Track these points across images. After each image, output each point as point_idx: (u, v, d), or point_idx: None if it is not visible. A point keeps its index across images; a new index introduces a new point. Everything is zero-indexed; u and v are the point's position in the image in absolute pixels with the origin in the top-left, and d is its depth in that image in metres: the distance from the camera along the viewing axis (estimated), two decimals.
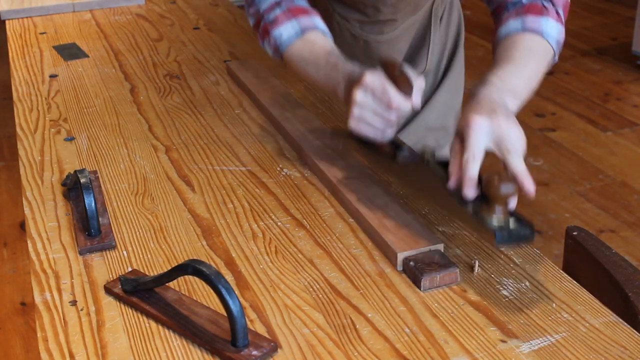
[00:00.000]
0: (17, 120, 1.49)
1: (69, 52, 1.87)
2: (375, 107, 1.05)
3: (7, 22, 2.15)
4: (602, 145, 3.33)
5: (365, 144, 1.09)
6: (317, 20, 1.26)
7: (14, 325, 2.37)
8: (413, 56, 1.54)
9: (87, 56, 1.85)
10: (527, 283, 0.96)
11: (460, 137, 0.99)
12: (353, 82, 1.08)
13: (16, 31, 2.06)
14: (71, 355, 0.87)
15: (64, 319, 0.93)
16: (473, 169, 0.95)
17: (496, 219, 0.95)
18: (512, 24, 1.14)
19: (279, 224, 1.12)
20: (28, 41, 1.97)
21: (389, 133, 1.07)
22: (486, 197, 0.96)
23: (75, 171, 1.13)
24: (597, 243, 1.12)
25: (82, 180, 1.09)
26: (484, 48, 4.47)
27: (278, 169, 1.27)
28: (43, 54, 1.87)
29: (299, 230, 1.10)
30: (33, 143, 1.40)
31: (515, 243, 0.99)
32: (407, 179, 1.04)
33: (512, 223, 0.95)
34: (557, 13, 1.15)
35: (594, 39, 4.59)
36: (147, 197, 1.20)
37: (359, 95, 1.05)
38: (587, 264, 1.12)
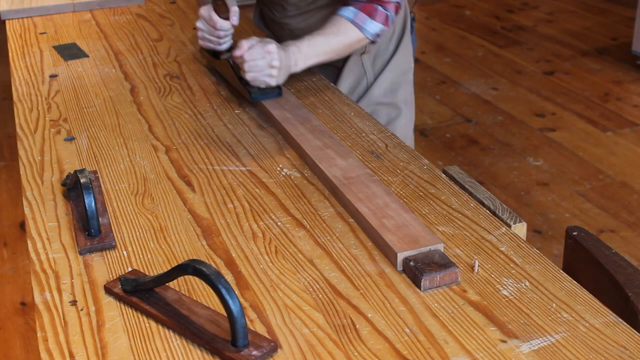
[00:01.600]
0: (17, 120, 1.49)
1: (69, 52, 1.87)
2: (207, 29, 1.56)
3: (7, 22, 2.15)
4: (602, 145, 3.33)
5: (215, 55, 1.62)
6: None
7: (14, 325, 2.37)
8: None
9: (87, 56, 1.84)
10: (527, 283, 0.96)
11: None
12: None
13: (16, 31, 2.06)
14: (71, 355, 0.87)
15: (64, 319, 0.93)
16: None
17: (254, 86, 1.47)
18: (348, 10, 1.51)
19: (279, 224, 1.12)
20: (28, 41, 1.97)
21: (223, 45, 1.58)
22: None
23: (75, 171, 1.13)
24: (597, 243, 1.12)
25: (82, 180, 1.09)
26: (484, 48, 4.47)
27: (278, 169, 1.27)
28: (43, 54, 1.87)
29: (299, 230, 1.10)
30: (33, 143, 1.40)
31: (265, 97, 1.47)
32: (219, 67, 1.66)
33: (263, 85, 1.46)
34: (386, 16, 1.51)
35: (594, 39, 4.59)
36: (147, 197, 1.20)
37: (197, 23, 1.58)
38: (587, 264, 1.12)
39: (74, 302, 0.96)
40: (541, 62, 4.27)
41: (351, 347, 0.86)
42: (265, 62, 1.43)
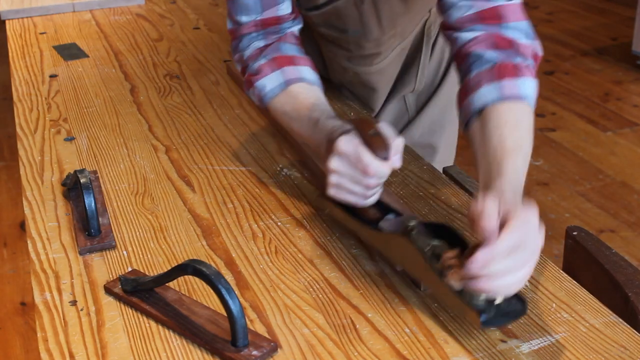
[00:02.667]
0: (17, 120, 1.49)
1: (69, 52, 1.87)
2: (352, 173, 0.98)
3: (7, 22, 2.15)
4: (602, 145, 3.33)
5: (350, 209, 1.04)
6: (304, 70, 1.19)
7: (14, 325, 2.37)
8: (400, 76, 1.51)
9: (87, 56, 1.84)
10: (527, 283, 0.96)
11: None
12: (332, 144, 1.01)
13: (16, 31, 2.06)
14: (71, 355, 0.87)
15: (64, 319, 0.93)
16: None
17: (482, 296, 0.84)
18: (487, 92, 1.02)
19: (279, 224, 1.12)
20: (28, 41, 1.97)
21: (371, 198, 1.01)
22: None
23: (75, 171, 1.13)
24: (597, 243, 1.12)
25: (82, 180, 1.09)
26: None
27: (278, 169, 1.27)
28: (43, 54, 1.87)
29: (299, 230, 1.10)
30: (33, 143, 1.40)
31: (504, 322, 0.86)
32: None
33: (499, 299, 0.84)
34: (529, 66, 1.05)
35: (594, 39, 4.59)
36: (147, 197, 1.20)
37: (333, 163, 0.99)
38: (587, 264, 1.12)
39: (74, 302, 0.96)
40: (541, 62, 4.27)
41: (351, 347, 0.86)
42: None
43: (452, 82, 1.54)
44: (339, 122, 1.05)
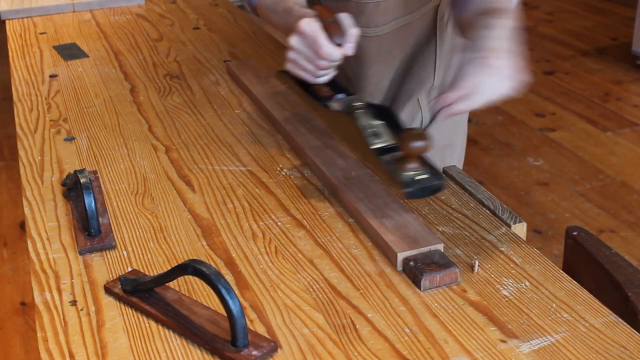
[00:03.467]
0: (17, 120, 1.49)
1: (69, 52, 1.87)
2: (307, 52, 1.12)
3: (7, 22, 2.15)
4: (602, 145, 3.33)
5: (305, 86, 1.18)
6: None
7: (14, 325, 2.37)
8: (417, 71, 1.49)
9: (87, 56, 1.84)
10: (527, 283, 0.96)
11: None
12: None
13: (16, 31, 2.06)
14: (71, 355, 0.87)
15: (64, 319, 0.93)
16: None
17: (407, 174, 1.02)
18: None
19: (279, 224, 1.12)
20: (28, 41, 1.97)
21: (322, 77, 1.14)
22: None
23: (75, 171, 1.13)
24: (597, 243, 1.12)
25: (82, 180, 1.09)
26: None
27: (278, 169, 1.27)
28: (43, 54, 1.87)
29: (299, 230, 1.10)
30: (33, 143, 1.40)
31: (425, 195, 1.05)
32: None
33: (422, 175, 1.03)
34: None
35: (594, 39, 4.59)
36: (147, 197, 1.20)
37: (293, 40, 1.13)
38: (587, 264, 1.12)
39: (74, 302, 0.96)
40: (541, 62, 4.27)
41: (351, 347, 0.86)
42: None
43: None
44: (310, 10, 1.17)
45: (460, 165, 1.61)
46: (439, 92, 1.48)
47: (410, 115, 1.54)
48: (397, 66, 1.50)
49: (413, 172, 1.04)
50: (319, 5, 1.12)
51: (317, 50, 1.10)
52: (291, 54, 1.14)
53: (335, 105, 1.14)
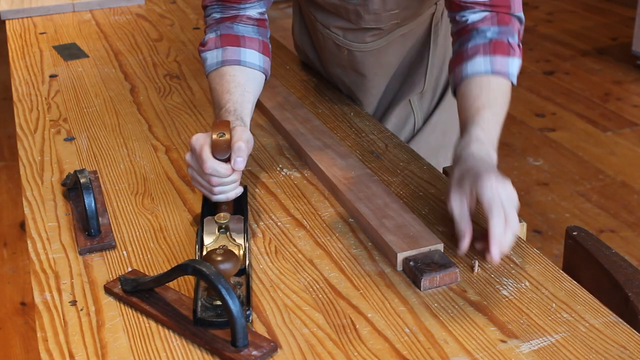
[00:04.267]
0: (17, 120, 1.49)
1: (69, 52, 1.87)
2: (197, 168, 1.07)
3: (7, 22, 2.15)
4: (602, 145, 3.33)
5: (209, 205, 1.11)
6: (247, 53, 1.25)
7: (14, 325, 2.37)
8: (410, 75, 1.49)
9: (87, 56, 1.84)
10: (527, 283, 0.96)
11: (465, 192, 1.00)
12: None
13: (16, 31, 2.06)
14: (71, 355, 0.87)
15: (64, 319, 0.93)
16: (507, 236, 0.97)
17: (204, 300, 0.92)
18: (481, 63, 1.15)
19: (279, 224, 1.12)
20: (28, 41, 1.97)
21: (220, 195, 1.07)
22: None
23: (75, 171, 1.13)
24: (597, 243, 1.12)
25: (82, 180, 1.09)
26: None
27: (278, 169, 1.27)
28: (43, 54, 1.87)
29: (299, 230, 1.10)
30: (33, 143, 1.40)
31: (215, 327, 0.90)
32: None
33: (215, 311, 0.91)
34: (519, 46, 1.19)
35: (594, 39, 4.59)
36: (147, 197, 1.20)
37: (187, 156, 1.08)
38: (587, 264, 1.12)
39: (74, 302, 0.96)
40: (541, 62, 4.27)
41: (351, 347, 0.86)
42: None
43: None
44: (229, 117, 1.15)
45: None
46: (430, 93, 1.50)
47: (403, 117, 1.54)
48: (393, 73, 1.51)
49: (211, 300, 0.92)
50: (216, 120, 1.09)
51: (201, 165, 1.04)
52: (189, 170, 1.10)
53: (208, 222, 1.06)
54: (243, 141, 1.06)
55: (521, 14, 1.21)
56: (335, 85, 1.57)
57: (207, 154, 1.04)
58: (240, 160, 1.05)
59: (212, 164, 1.04)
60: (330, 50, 1.49)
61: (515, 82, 1.18)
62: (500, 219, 0.95)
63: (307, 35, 1.59)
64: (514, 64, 1.16)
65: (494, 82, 1.15)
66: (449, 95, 1.52)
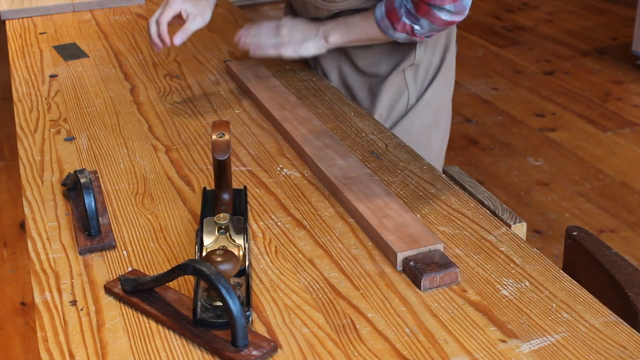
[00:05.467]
0: (17, 120, 1.49)
1: (69, 52, 1.87)
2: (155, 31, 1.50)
3: (7, 22, 2.15)
4: (602, 145, 3.33)
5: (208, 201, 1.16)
6: None
7: (14, 325, 2.37)
8: (397, 46, 1.52)
9: (87, 56, 1.84)
10: (527, 283, 0.96)
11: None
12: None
13: (16, 31, 2.06)
14: (71, 355, 0.87)
15: (64, 319, 0.93)
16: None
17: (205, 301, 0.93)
18: (379, 9, 1.41)
19: (279, 224, 1.12)
20: (28, 41, 1.97)
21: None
22: None
23: (75, 171, 1.13)
24: (597, 243, 1.12)
25: (82, 180, 1.09)
26: (484, 48, 4.47)
27: (278, 169, 1.27)
28: (43, 54, 1.87)
29: (299, 230, 1.10)
30: (33, 143, 1.40)
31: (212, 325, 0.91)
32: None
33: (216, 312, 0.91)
34: (412, 27, 1.38)
35: (594, 39, 4.59)
36: (147, 197, 1.20)
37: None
38: (587, 264, 1.12)
39: (74, 302, 0.96)
40: (541, 62, 4.27)
41: (351, 347, 0.86)
42: (270, 31, 1.48)
43: (451, 63, 1.59)
44: None
45: (444, 146, 1.64)
46: (423, 70, 1.56)
47: (397, 91, 1.56)
48: (384, 43, 1.53)
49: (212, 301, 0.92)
50: (215, 120, 1.11)
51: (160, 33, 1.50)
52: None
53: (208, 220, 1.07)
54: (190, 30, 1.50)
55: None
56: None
57: (163, 16, 1.48)
58: (179, 39, 1.49)
59: (151, 22, 1.49)
60: (311, 15, 1.54)
61: (392, 37, 1.43)
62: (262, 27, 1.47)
63: (290, 9, 1.65)
64: (394, 33, 1.41)
65: (373, 22, 1.43)
66: (443, 73, 1.57)
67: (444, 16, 1.34)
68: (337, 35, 1.47)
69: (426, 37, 1.41)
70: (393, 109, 1.56)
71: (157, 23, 1.48)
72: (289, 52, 1.51)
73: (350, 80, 1.59)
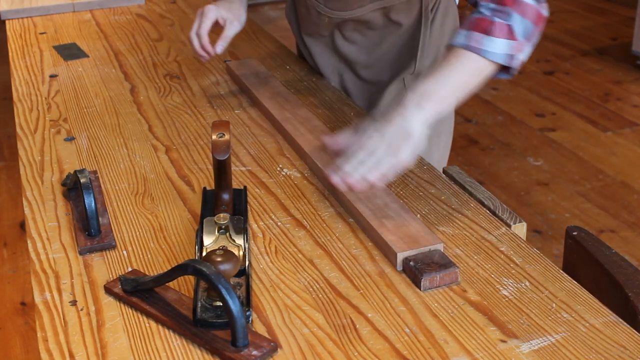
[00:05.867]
0: (17, 120, 1.49)
1: (69, 52, 1.87)
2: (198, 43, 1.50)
3: (7, 22, 2.15)
4: (602, 145, 3.33)
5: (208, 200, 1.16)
6: None
7: (14, 325, 2.37)
8: (399, 56, 1.51)
9: (87, 56, 1.84)
10: (527, 283, 0.96)
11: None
12: None
13: (16, 31, 2.06)
14: (71, 355, 0.87)
15: (64, 319, 0.93)
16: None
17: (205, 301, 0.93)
18: (458, 36, 1.15)
19: (279, 224, 1.12)
20: (28, 41, 1.97)
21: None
22: None
23: (75, 171, 1.13)
24: (597, 243, 1.12)
25: (82, 180, 1.09)
26: None
27: (278, 169, 1.27)
28: (43, 54, 1.87)
29: (299, 230, 1.10)
30: (33, 143, 1.40)
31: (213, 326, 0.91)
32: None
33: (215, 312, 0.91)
34: (511, 27, 1.13)
35: (594, 39, 4.59)
36: (147, 197, 1.20)
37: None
38: (587, 264, 1.12)
39: (74, 302, 0.96)
40: (541, 62, 4.27)
41: (351, 347, 0.86)
42: (363, 156, 1.08)
43: None
44: None
45: (446, 155, 1.63)
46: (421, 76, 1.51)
47: (397, 99, 1.54)
48: (380, 54, 1.53)
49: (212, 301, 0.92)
50: (216, 120, 1.12)
51: (203, 45, 1.50)
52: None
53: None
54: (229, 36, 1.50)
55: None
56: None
57: (203, 27, 1.47)
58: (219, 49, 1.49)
59: (192, 35, 1.49)
60: (312, 19, 1.54)
61: (501, 60, 1.14)
62: (357, 154, 1.06)
63: (293, 10, 1.64)
64: (491, 42, 1.13)
65: (463, 56, 1.14)
66: None
67: (531, 1, 1.14)
68: (434, 102, 1.13)
69: (527, 41, 1.15)
70: None
71: (198, 35, 1.48)
72: (407, 158, 1.10)
73: (350, 86, 1.59)
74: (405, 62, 1.52)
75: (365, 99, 1.57)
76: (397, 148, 1.06)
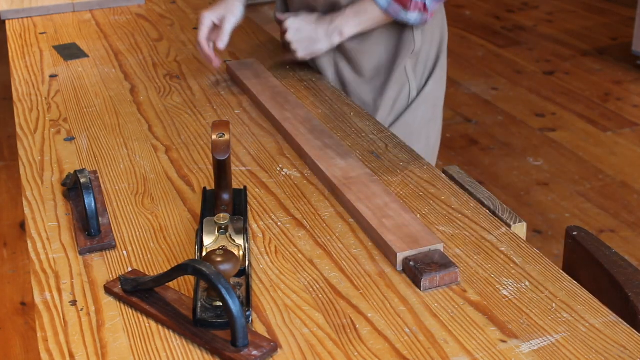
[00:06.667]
0: (17, 120, 1.49)
1: (69, 52, 1.87)
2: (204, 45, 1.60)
3: (7, 22, 2.15)
4: (602, 145, 3.33)
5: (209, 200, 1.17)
6: None
7: (14, 325, 2.37)
8: (400, 34, 1.53)
9: (87, 56, 1.84)
10: (527, 283, 0.96)
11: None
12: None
13: (16, 31, 2.06)
14: (71, 355, 0.87)
15: (64, 319, 0.93)
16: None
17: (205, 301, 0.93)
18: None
19: (279, 224, 1.12)
20: (28, 41, 1.97)
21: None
22: None
23: (75, 171, 1.13)
24: (597, 243, 1.12)
25: (82, 180, 1.09)
26: (484, 48, 4.47)
27: (278, 169, 1.27)
28: (43, 54, 1.87)
29: (299, 230, 1.10)
30: (33, 143, 1.40)
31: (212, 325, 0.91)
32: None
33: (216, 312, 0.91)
34: (425, 5, 1.42)
35: (594, 39, 4.59)
36: (147, 197, 1.20)
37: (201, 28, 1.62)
38: (587, 264, 1.12)
39: (74, 302, 0.96)
40: (541, 62, 4.27)
41: (351, 347, 0.86)
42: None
43: (445, 58, 1.62)
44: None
45: (438, 141, 1.67)
46: (422, 61, 1.59)
47: (399, 86, 1.57)
48: (385, 36, 1.55)
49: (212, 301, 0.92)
50: (215, 120, 1.12)
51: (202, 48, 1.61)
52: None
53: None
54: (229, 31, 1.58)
55: None
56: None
57: (200, 36, 1.57)
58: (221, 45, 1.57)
59: (197, 46, 1.60)
60: (308, 2, 1.57)
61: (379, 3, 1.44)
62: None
63: (284, 5, 1.69)
64: (408, 15, 1.43)
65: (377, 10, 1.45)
66: (439, 68, 1.60)
67: None
68: (351, 27, 1.49)
69: (434, 10, 1.45)
70: (395, 103, 1.58)
71: (199, 44, 1.58)
72: (302, 54, 1.55)
73: (347, 77, 1.60)
74: (403, 43, 1.54)
75: (363, 92, 1.59)
76: (299, 44, 1.51)
